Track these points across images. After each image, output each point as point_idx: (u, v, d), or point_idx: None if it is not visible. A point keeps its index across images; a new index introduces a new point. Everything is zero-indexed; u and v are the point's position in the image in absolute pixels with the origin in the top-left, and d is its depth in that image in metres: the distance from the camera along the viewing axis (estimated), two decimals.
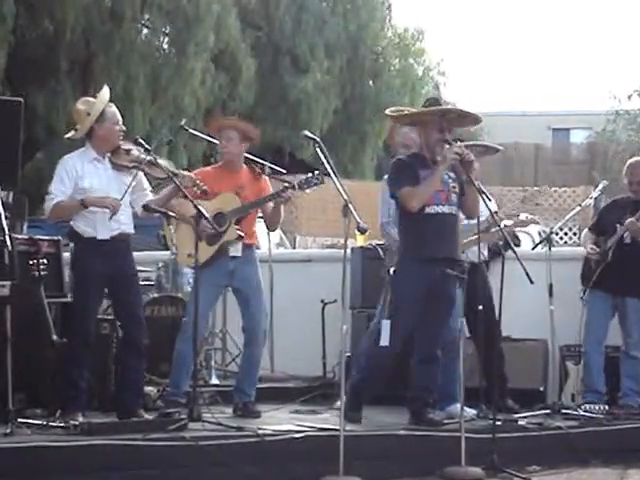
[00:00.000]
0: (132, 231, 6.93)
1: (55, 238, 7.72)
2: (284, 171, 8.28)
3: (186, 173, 7.09)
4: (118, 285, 6.92)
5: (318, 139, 7.10)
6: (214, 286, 7.25)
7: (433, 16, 64.15)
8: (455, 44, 65.82)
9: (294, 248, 15.19)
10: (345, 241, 6.62)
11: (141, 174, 6.89)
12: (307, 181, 7.22)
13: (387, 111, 7.49)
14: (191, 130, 9.18)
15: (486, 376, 7.16)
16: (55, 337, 7.05)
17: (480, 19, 75.04)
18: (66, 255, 7.31)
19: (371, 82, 26.53)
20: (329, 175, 6.89)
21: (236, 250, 7.22)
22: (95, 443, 5.98)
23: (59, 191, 6.75)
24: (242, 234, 7.17)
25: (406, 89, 26.13)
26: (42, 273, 6.84)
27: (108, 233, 6.76)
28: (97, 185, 6.77)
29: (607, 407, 7.70)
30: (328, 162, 7.04)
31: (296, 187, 7.20)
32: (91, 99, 6.99)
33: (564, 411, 7.59)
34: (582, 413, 7.55)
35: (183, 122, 8.83)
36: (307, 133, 7.17)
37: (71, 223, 6.83)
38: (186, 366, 7.13)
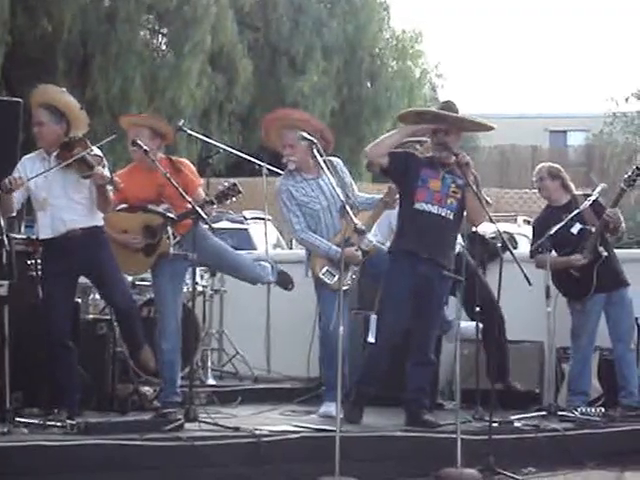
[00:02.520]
0: (86, 225, 6.78)
1: None
2: (282, 172, 8.27)
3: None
4: (92, 279, 7.06)
5: (315, 140, 7.11)
6: (176, 275, 7.24)
7: (431, 18, 64.25)
8: (453, 46, 65.93)
9: (291, 249, 15.15)
10: (342, 242, 6.63)
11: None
12: (224, 194, 7.18)
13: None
14: (189, 131, 9.19)
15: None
16: None
17: (478, 21, 75.18)
18: None
19: (368, 84, 26.50)
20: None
21: (175, 249, 7.12)
22: (92, 442, 5.99)
23: None
24: (176, 239, 7.07)
25: (404, 91, 26.07)
26: (39, 273, 6.87)
27: (50, 232, 6.76)
28: (40, 184, 6.74)
29: (603, 409, 7.69)
30: (325, 163, 7.04)
31: (215, 202, 7.16)
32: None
33: (560, 413, 7.58)
34: (578, 415, 7.54)
35: (181, 123, 8.79)
36: (304, 134, 7.15)
37: None
38: (175, 361, 7.16)
